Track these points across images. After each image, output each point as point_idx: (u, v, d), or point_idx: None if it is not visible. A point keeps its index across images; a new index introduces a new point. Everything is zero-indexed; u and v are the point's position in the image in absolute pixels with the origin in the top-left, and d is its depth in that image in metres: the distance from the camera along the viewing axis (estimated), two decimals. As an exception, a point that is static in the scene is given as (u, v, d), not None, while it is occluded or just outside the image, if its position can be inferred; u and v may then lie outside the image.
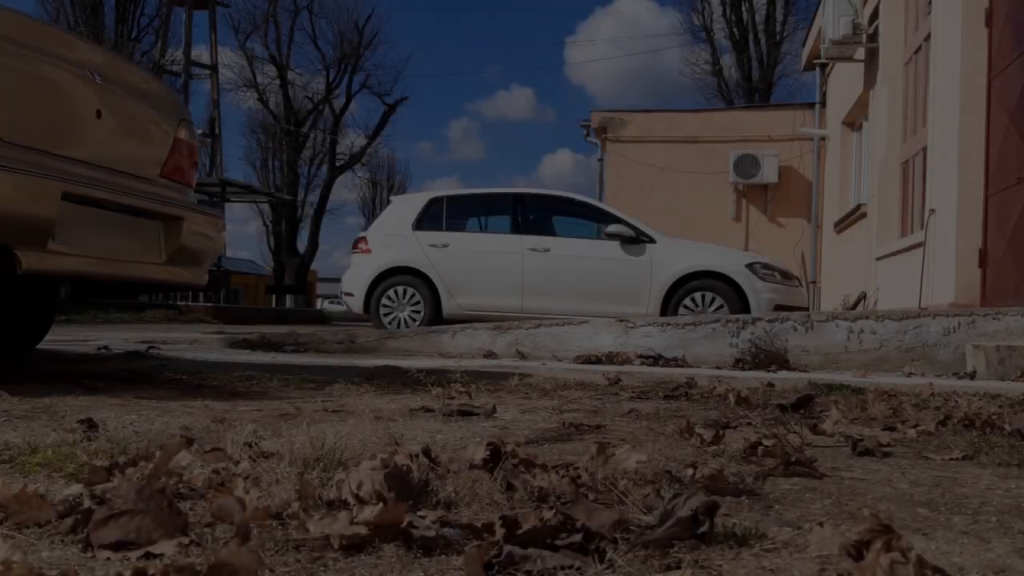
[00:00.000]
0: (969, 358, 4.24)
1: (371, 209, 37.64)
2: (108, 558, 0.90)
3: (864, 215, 9.31)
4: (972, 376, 4.07)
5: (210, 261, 3.47)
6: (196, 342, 5.53)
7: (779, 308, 7.27)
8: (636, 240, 7.78)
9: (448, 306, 7.97)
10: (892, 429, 2.03)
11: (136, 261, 2.94)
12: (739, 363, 4.69)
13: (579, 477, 1.20)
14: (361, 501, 1.04)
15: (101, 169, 2.82)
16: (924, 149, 7.05)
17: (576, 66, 51.40)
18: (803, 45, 13.73)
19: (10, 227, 2.41)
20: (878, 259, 8.27)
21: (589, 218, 8.29)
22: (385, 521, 0.96)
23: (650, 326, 5.27)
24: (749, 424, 2.06)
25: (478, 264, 7.98)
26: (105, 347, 4.59)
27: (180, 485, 1.17)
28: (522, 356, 5.16)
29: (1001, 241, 5.66)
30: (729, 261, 7.77)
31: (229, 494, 1.03)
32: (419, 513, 1.03)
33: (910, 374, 4.31)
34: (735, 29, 21.99)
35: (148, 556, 0.91)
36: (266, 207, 32.04)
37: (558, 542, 0.92)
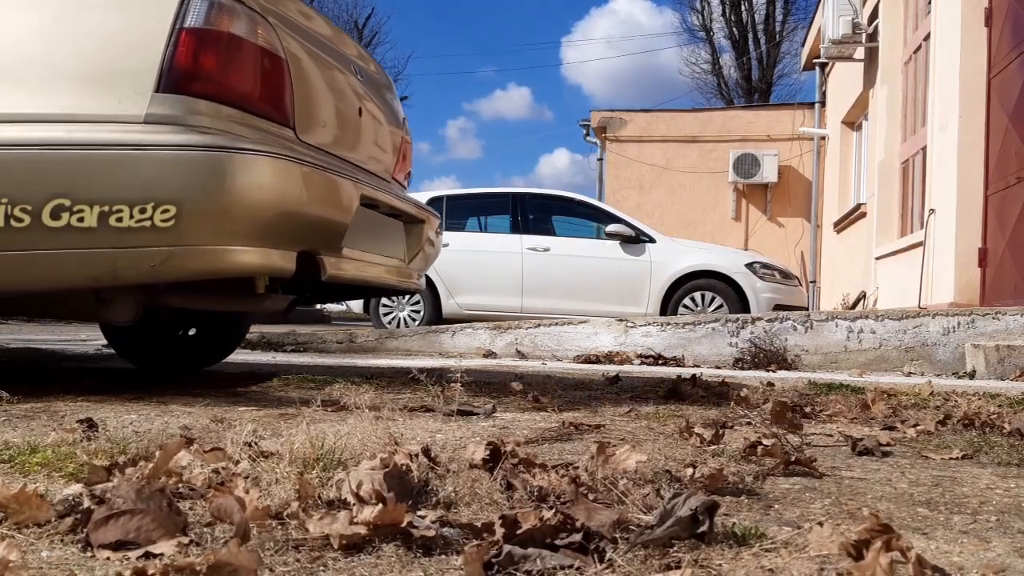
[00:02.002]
0: (969, 358, 4.24)
1: (371, 209, 37.50)
2: (108, 558, 0.90)
3: (864, 215, 9.31)
4: (972, 375, 4.08)
5: (430, 266, 3.30)
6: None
7: (779, 308, 7.27)
8: (636, 240, 7.78)
9: (448, 306, 7.97)
10: (892, 429, 2.03)
11: (389, 265, 2.82)
12: (739, 363, 4.70)
13: (579, 477, 1.20)
14: (361, 501, 1.04)
15: (363, 171, 2.69)
16: (924, 149, 7.05)
17: (573, 66, 51.48)
18: (803, 45, 13.73)
19: (321, 232, 2.30)
20: (878, 259, 8.27)
21: (589, 218, 8.29)
22: (385, 521, 0.96)
23: (650, 326, 5.27)
24: (749, 423, 2.06)
25: (478, 264, 7.98)
26: (107, 346, 4.59)
27: (180, 485, 1.17)
28: (522, 356, 5.16)
29: (1001, 240, 5.66)
30: (729, 261, 7.77)
31: (229, 494, 1.03)
32: (419, 513, 1.03)
33: (910, 373, 4.31)
34: (735, 29, 22.00)
35: (148, 556, 0.91)
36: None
37: (558, 542, 0.92)
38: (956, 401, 2.53)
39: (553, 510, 0.95)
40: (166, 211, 1.97)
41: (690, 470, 1.28)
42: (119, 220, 1.97)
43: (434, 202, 8.31)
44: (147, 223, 1.98)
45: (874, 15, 8.97)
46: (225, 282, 2.23)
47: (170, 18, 2.06)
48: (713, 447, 1.68)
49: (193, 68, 2.06)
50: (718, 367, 4.64)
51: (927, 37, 7.04)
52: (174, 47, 2.05)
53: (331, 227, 2.33)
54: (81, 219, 1.97)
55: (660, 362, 4.77)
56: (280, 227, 2.14)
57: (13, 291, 2.14)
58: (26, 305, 2.49)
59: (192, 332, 3.47)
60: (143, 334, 3.42)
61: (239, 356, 4.56)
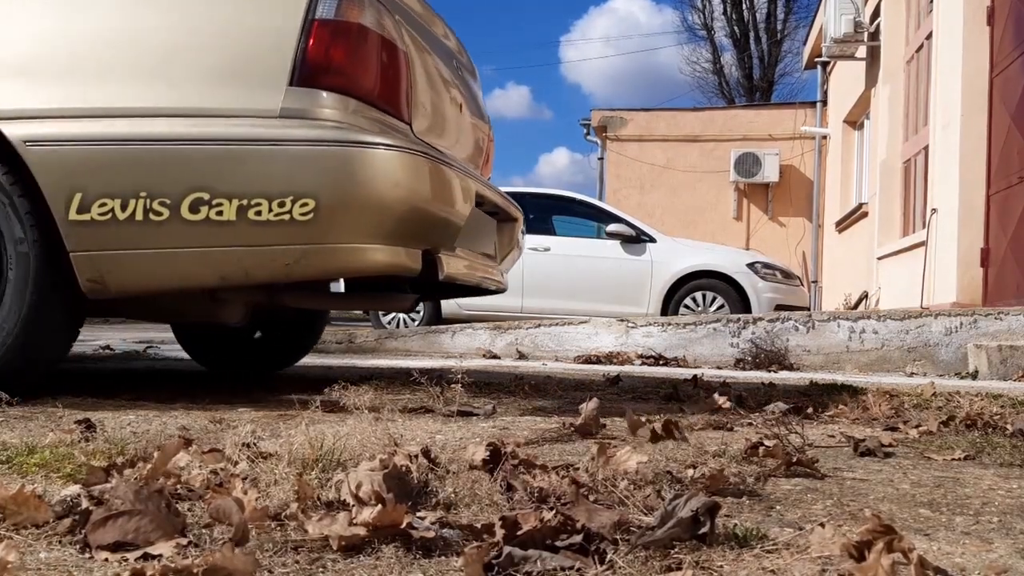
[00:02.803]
0: (971, 358, 4.23)
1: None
2: (106, 559, 0.90)
3: (865, 214, 9.30)
4: (974, 376, 4.07)
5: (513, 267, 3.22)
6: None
7: (780, 308, 7.26)
8: (636, 239, 7.77)
9: (447, 306, 7.96)
10: (894, 429, 2.02)
11: (486, 265, 2.75)
12: (740, 363, 4.69)
13: (579, 478, 1.20)
14: (360, 502, 1.04)
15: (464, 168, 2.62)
16: (926, 148, 7.05)
17: (572, 64, 51.46)
18: (804, 43, 13.72)
19: (441, 230, 2.25)
20: (879, 258, 8.26)
21: (589, 217, 8.29)
22: (384, 522, 0.96)
23: (650, 326, 5.26)
24: (750, 424, 2.06)
25: (478, 264, 7.97)
26: (107, 347, 4.59)
27: (178, 486, 1.17)
28: (522, 356, 5.16)
29: (1003, 240, 5.65)
30: (730, 260, 7.76)
31: (227, 495, 1.03)
32: (418, 514, 1.02)
33: (912, 374, 4.30)
34: (736, 27, 21.99)
35: (146, 557, 0.90)
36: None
37: (558, 543, 0.91)
38: (958, 402, 2.52)
39: (553, 511, 0.94)
40: (305, 204, 1.95)
41: (691, 471, 1.28)
42: (258, 213, 1.96)
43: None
44: (286, 216, 1.96)
45: (876, 14, 8.96)
46: (347, 281, 2.19)
47: (302, 10, 2.04)
48: (714, 448, 1.67)
49: (325, 61, 2.04)
50: (719, 367, 4.63)
51: (929, 36, 7.04)
52: (306, 39, 2.02)
53: (450, 225, 2.29)
54: (220, 212, 1.96)
55: (661, 362, 4.76)
56: (411, 225, 2.11)
57: (143, 290, 2.12)
58: (137, 305, 2.43)
59: (262, 334, 3.36)
60: (217, 336, 3.34)
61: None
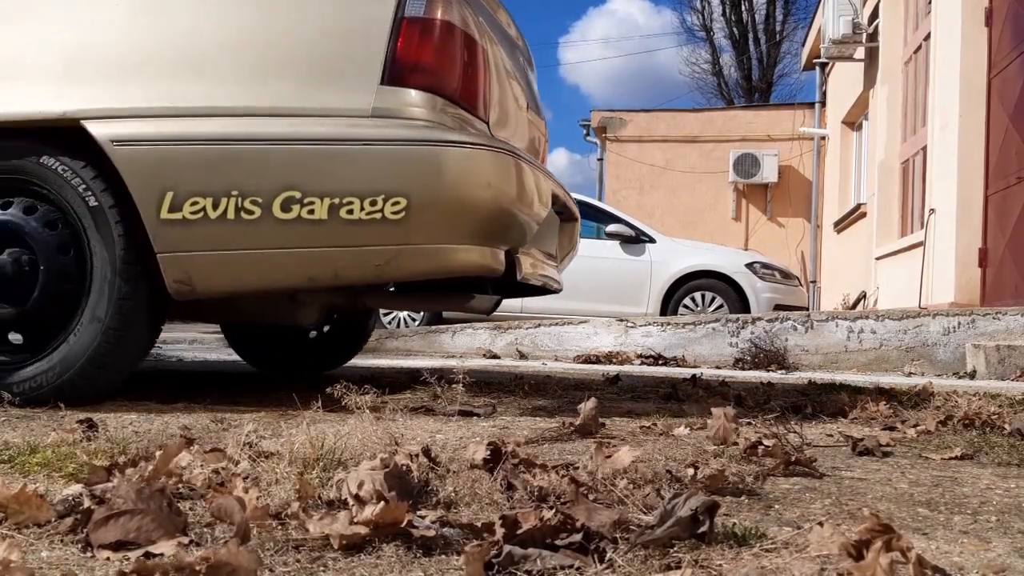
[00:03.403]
0: (969, 358, 4.24)
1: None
2: (108, 558, 0.90)
3: (864, 215, 9.31)
4: (972, 376, 4.08)
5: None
6: (196, 342, 5.53)
7: (779, 308, 7.27)
8: (636, 240, 7.78)
9: (448, 305, 7.94)
10: (892, 429, 2.03)
11: (550, 264, 2.70)
12: (739, 363, 4.70)
13: (579, 477, 1.20)
14: (361, 501, 1.04)
15: None
16: (924, 148, 7.05)
17: (571, 66, 51.45)
18: (803, 44, 13.72)
19: (521, 230, 2.21)
20: (878, 259, 8.27)
21: (589, 218, 8.26)
22: (385, 521, 0.96)
23: (650, 326, 5.27)
24: (749, 424, 2.06)
25: (478, 264, 7.96)
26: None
27: (180, 485, 1.17)
28: (522, 356, 5.16)
29: (1001, 240, 5.66)
30: (729, 261, 7.77)
31: (229, 494, 1.03)
32: (419, 513, 1.03)
33: (910, 373, 4.31)
34: (735, 28, 21.99)
35: (148, 556, 0.91)
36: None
37: (558, 542, 0.92)
38: (956, 401, 2.53)
39: (553, 510, 0.95)
40: (396, 203, 1.94)
41: (690, 470, 1.28)
42: (349, 212, 1.94)
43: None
44: (377, 215, 1.94)
45: (874, 15, 8.97)
46: (429, 281, 2.18)
47: (391, 8, 2.02)
48: (713, 447, 1.68)
49: (414, 59, 2.02)
50: (718, 367, 4.64)
51: (927, 37, 7.04)
52: (396, 38, 2.01)
53: (529, 226, 2.26)
54: (311, 211, 1.95)
55: (660, 362, 4.77)
56: (498, 225, 2.09)
57: (230, 291, 2.10)
58: (216, 306, 2.40)
59: (315, 335, 3.31)
60: (270, 337, 3.30)
61: (238, 356, 4.56)
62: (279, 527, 1.02)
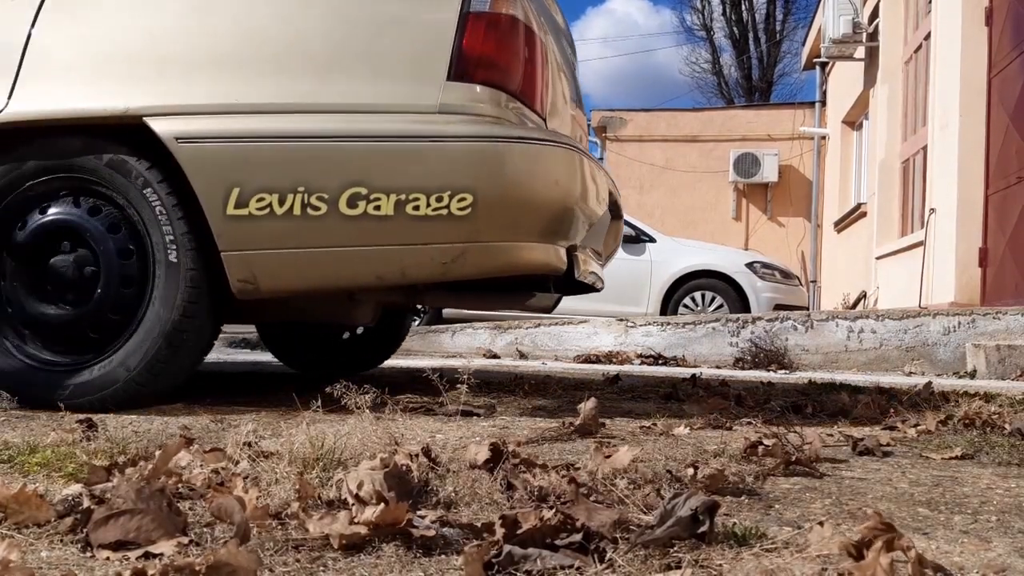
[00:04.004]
0: (969, 357, 4.24)
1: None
2: (107, 558, 0.90)
3: (864, 214, 9.31)
4: (972, 375, 4.08)
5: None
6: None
7: (779, 307, 7.27)
8: (636, 239, 7.77)
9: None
10: (892, 428, 2.02)
11: (599, 263, 2.64)
12: (739, 362, 4.70)
13: (579, 477, 1.20)
14: (361, 501, 1.04)
15: None
16: (924, 148, 7.05)
17: (572, 66, 51.36)
18: (803, 44, 13.72)
19: (581, 227, 2.17)
20: (878, 258, 8.27)
21: (589, 217, 8.27)
22: (385, 521, 0.96)
23: (650, 325, 5.27)
24: (749, 423, 2.06)
25: (478, 263, 7.95)
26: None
27: (180, 485, 1.17)
28: (522, 355, 5.16)
29: (1001, 240, 5.66)
30: (729, 260, 7.77)
31: (228, 494, 1.03)
32: (419, 513, 1.03)
33: (910, 373, 4.31)
34: (735, 28, 21.99)
35: (148, 556, 0.91)
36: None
37: (558, 542, 0.92)
38: (956, 401, 2.53)
39: (553, 510, 0.95)
40: (463, 199, 1.92)
41: (691, 470, 1.28)
42: (415, 208, 1.92)
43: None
44: (443, 211, 1.92)
45: (874, 14, 8.97)
46: (489, 280, 2.15)
47: (457, 2, 2.00)
48: (713, 447, 1.68)
49: (479, 54, 2.00)
50: (718, 367, 4.64)
51: (928, 36, 7.04)
52: (462, 33, 1.99)
53: (588, 223, 2.23)
54: (378, 207, 1.93)
55: (660, 362, 4.77)
56: (562, 222, 2.07)
57: (295, 290, 2.07)
58: (275, 306, 2.35)
59: (352, 335, 3.27)
60: (308, 337, 3.26)
61: (239, 355, 4.56)
62: (279, 527, 1.01)
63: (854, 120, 10.75)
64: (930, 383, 3.05)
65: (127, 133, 2.03)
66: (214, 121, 1.99)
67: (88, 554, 0.92)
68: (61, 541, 0.96)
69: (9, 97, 2.05)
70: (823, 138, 12.32)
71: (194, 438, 1.46)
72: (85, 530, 0.95)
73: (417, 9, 2.05)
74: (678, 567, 0.89)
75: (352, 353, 3.28)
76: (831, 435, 1.90)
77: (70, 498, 1.05)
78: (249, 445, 1.36)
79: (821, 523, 0.96)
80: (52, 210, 2.07)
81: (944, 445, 1.77)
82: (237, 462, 1.28)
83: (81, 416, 1.73)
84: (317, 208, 1.93)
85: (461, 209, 1.92)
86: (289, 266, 2.00)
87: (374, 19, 2.05)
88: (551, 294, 2.34)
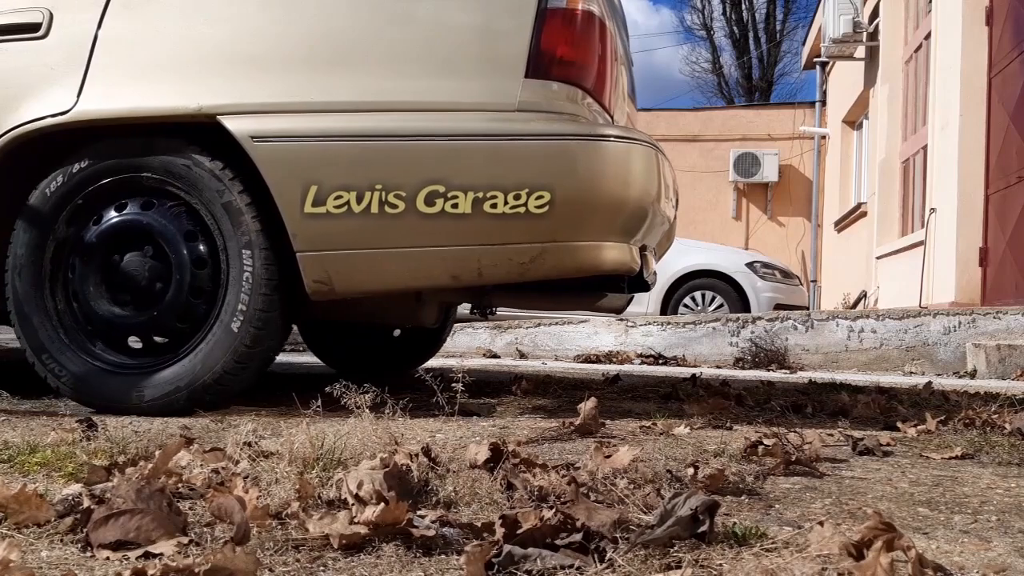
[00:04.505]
0: (970, 357, 4.24)
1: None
2: (107, 558, 0.90)
3: (864, 214, 9.31)
4: (972, 375, 4.07)
5: None
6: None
7: (779, 307, 7.27)
8: (636, 239, 7.76)
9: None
10: (892, 428, 2.02)
11: (654, 261, 2.57)
12: (739, 362, 4.70)
13: (579, 477, 1.20)
14: (361, 501, 1.04)
15: None
16: (924, 148, 7.05)
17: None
18: (803, 44, 13.72)
19: (652, 225, 2.12)
20: (878, 258, 8.27)
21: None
22: (385, 521, 0.96)
23: (650, 325, 5.27)
24: (749, 423, 2.06)
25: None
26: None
27: (180, 485, 1.17)
28: (522, 355, 5.16)
29: (1001, 240, 5.66)
30: (729, 260, 7.76)
31: (228, 494, 1.03)
32: (419, 512, 1.03)
33: (911, 373, 4.31)
34: (735, 28, 21.99)
35: (147, 556, 0.91)
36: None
37: (558, 542, 0.92)
38: (957, 400, 2.53)
39: (553, 510, 0.95)
40: (540, 197, 1.89)
41: (691, 470, 1.28)
42: (493, 206, 1.91)
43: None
44: (521, 209, 1.90)
45: (875, 14, 8.96)
46: (559, 280, 2.11)
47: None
48: (714, 447, 1.68)
49: (557, 51, 1.97)
50: (719, 367, 4.64)
51: (928, 36, 7.04)
52: (539, 29, 1.96)
53: (659, 222, 2.20)
54: (455, 205, 1.91)
55: (660, 362, 4.77)
56: (639, 220, 2.04)
57: (370, 291, 2.05)
58: (344, 306, 2.31)
59: (398, 334, 3.24)
60: (351, 337, 3.22)
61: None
62: (279, 527, 1.01)
63: (854, 120, 10.75)
64: (930, 383, 3.06)
65: (198, 132, 2.01)
66: (290, 120, 1.97)
67: (88, 554, 0.92)
68: (61, 541, 0.96)
69: (78, 96, 2.02)
70: (823, 138, 12.32)
71: (194, 438, 1.46)
72: (85, 530, 0.95)
73: (494, 6, 2.02)
74: (678, 567, 0.89)
75: (394, 353, 3.24)
76: (831, 435, 1.90)
77: (70, 498, 1.06)
78: (249, 445, 1.36)
79: (821, 523, 0.96)
80: (121, 210, 2.04)
81: (944, 445, 1.77)
82: (237, 462, 1.28)
83: (81, 416, 1.73)
84: (395, 206, 1.91)
85: (539, 207, 1.90)
86: (364, 266, 1.97)
87: (451, 17, 2.02)
88: (624, 294, 2.31)
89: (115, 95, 2.03)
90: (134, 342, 2.06)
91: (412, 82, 1.99)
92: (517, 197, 1.90)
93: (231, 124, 1.95)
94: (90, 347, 2.03)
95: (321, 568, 0.89)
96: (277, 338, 2.09)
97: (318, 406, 1.50)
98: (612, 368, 4.09)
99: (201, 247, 2.02)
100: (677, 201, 2.68)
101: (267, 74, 2.01)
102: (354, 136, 1.95)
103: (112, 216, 2.04)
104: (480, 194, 1.91)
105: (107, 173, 2.04)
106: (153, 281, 2.01)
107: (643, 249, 2.18)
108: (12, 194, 2.08)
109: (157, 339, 2.05)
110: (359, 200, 1.92)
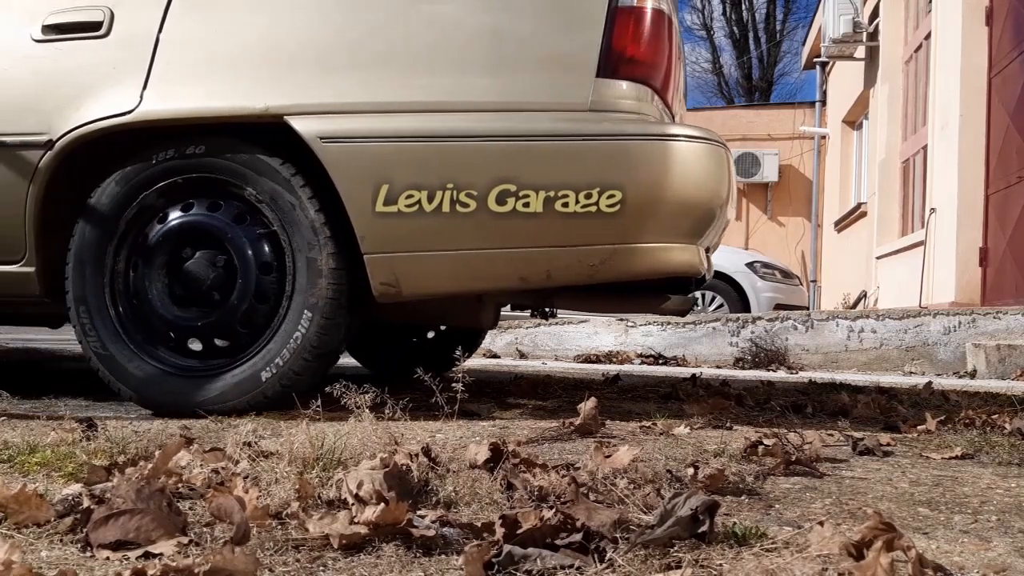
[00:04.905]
0: (970, 357, 4.24)
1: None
2: (107, 558, 0.90)
3: (864, 214, 9.31)
4: (972, 375, 4.07)
5: None
6: (196, 341, 5.52)
7: (779, 307, 7.27)
8: (636, 239, 7.76)
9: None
10: (892, 428, 2.02)
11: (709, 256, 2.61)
12: (739, 362, 4.70)
13: (579, 477, 1.20)
14: (361, 501, 1.04)
15: None
16: (924, 148, 7.05)
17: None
18: (803, 44, 13.72)
19: (716, 226, 2.10)
20: (878, 258, 8.27)
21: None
22: (385, 521, 0.96)
23: (650, 325, 5.27)
24: (749, 423, 2.06)
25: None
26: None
27: (179, 485, 1.17)
28: (522, 355, 5.16)
29: (1002, 240, 5.66)
30: (729, 260, 7.76)
31: (228, 494, 1.03)
32: (419, 512, 1.03)
33: (911, 373, 4.31)
34: (735, 28, 21.99)
35: (147, 556, 0.91)
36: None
37: (558, 542, 0.92)
38: (957, 400, 2.53)
39: (553, 510, 0.95)
40: (612, 196, 1.88)
41: (691, 470, 1.28)
42: (564, 205, 1.89)
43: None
44: (592, 208, 1.88)
45: (875, 14, 8.96)
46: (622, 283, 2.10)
47: None
48: (714, 447, 1.68)
49: (628, 50, 1.96)
50: (719, 367, 4.64)
51: (928, 36, 7.04)
52: (611, 28, 1.94)
53: (723, 223, 2.18)
54: (527, 204, 1.90)
55: (660, 362, 4.77)
56: (710, 222, 2.03)
57: (437, 292, 2.03)
58: (404, 308, 2.27)
59: (434, 335, 3.23)
60: (388, 337, 3.19)
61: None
62: (279, 527, 1.01)
63: (854, 120, 10.75)
64: (930, 383, 3.06)
65: (263, 132, 1.99)
66: (359, 120, 1.95)
67: (88, 554, 0.92)
68: (61, 541, 0.96)
69: (141, 96, 2.01)
70: (823, 138, 12.32)
71: (194, 438, 1.46)
72: (85, 530, 0.95)
73: (566, 5, 2.00)
74: (678, 567, 0.89)
75: (431, 354, 3.21)
76: (831, 435, 1.90)
77: (70, 498, 1.05)
78: (249, 445, 1.36)
79: (821, 523, 0.96)
80: (185, 211, 2.02)
81: (944, 445, 1.77)
82: (237, 462, 1.28)
83: (81, 416, 1.73)
84: (466, 205, 1.90)
85: (610, 206, 1.88)
86: (433, 268, 1.96)
87: (522, 17, 2.00)
88: (688, 296, 2.28)
89: (179, 95, 2.02)
90: (194, 344, 2.04)
91: (483, 82, 1.97)
92: (588, 196, 1.88)
93: (299, 124, 1.93)
94: (152, 349, 2.01)
95: (321, 568, 0.89)
96: (342, 338, 2.07)
97: (318, 406, 1.50)
98: (612, 368, 4.09)
99: (266, 248, 2.00)
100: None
101: (333, 74, 1.99)
102: (425, 136, 1.94)
103: (176, 217, 2.03)
104: (551, 193, 1.89)
105: (170, 173, 2.02)
106: (217, 283, 1.99)
107: (707, 251, 2.16)
108: (73, 194, 2.06)
109: (219, 342, 2.02)
110: (430, 199, 1.90)
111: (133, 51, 2.04)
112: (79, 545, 0.94)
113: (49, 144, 2.03)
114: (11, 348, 4.37)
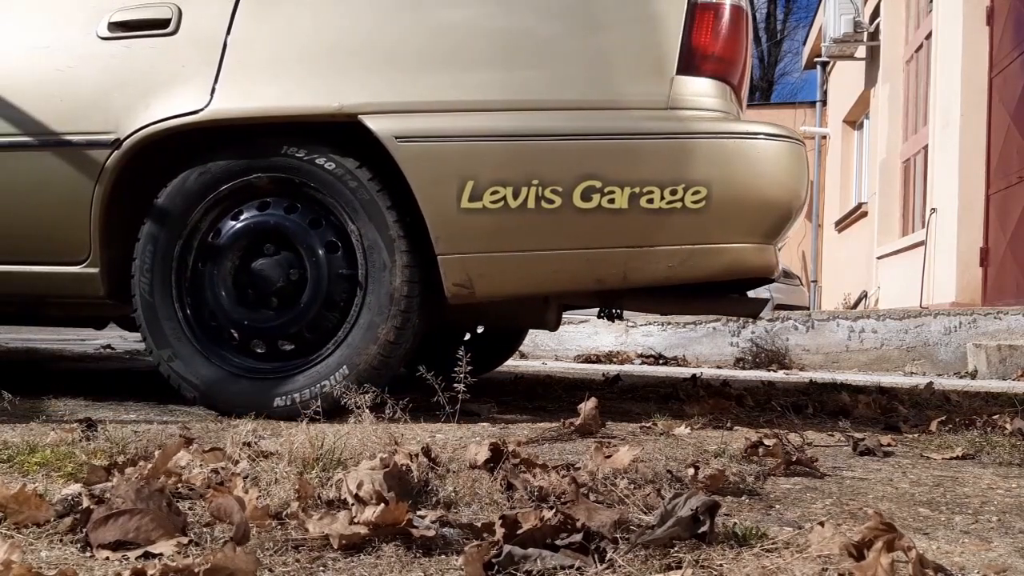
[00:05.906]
0: (970, 357, 4.24)
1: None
2: (107, 558, 0.90)
3: (865, 214, 9.31)
4: (973, 375, 4.07)
5: None
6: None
7: (780, 307, 7.27)
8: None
9: (449, 305, 7.93)
10: (893, 428, 2.02)
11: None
12: (740, 362, 4.70)
13: (579, 477, 1.20)
14: (361, 501, 1.04)
15: None
16: (925, 148, 7.05)
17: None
18: (804, 43, 13.72)
19: (793, 227, 2.09)
20: (879, 258, 8.27)
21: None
22: (385, 521, 0.96)
23: (650, 325, 5.27)
24: (750, 424, 2.06)
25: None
26: (108, 346, 4.59)
27: (179, 485, 1.17)
28: (522, 355, 5.16)
29: (1002, 240, 5.65)
30: (730, 260, 7.75)
31: (228, 494, 1.03)
32: (419, 513, 1.03)
33: (911, 373, 4.31)
34: (736, 28, 22.01)
35: (147, 556, 0.91)
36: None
37: (558, 542, 0.91)
38: (957, 401, 2.53)
39: (553, 510, 0.95)
40: (697, 192, 1.86)
41: (691, 470, 1.28)
42: (649, 201, 1.87)
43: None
44: (678, 204, 1.86)
45: (875, 14, 8.96)
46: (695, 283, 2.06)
47: None
48: (714, 447, 1.68)
49: (707, 47, 1.94)
50: (719, 367, 4.64)
51: (928, 36, 7.04)
52: (690, 25, 1.92)
53: (797, 222, 2.16)
54: (612, 200, 1.88)
55: (661, 362, 4.77)
56: (788, 222, 2.00)
57: (510, 294, 2.00)
58: (469, 309, 2.24)
59: (472, 336, 3.17)
60: (427, 338, 3.18)
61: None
62: (279, 527, 1.01)
63: (855, 119, 10.75)
64: (931, 383, 3.06)
65: (335, 131, 1.97)
66: (435, 119, 1.93)
67: (88, 554, 0.92)
68: (60, 541, 0.96)
69: (211, 95, 1.98)
70: (824, 137, 12.31)
71: (194, 438, 1.46)
72: (84, 530, 0.95)
73: (645, 3, 1.97)
74: (678, 567, 0.89)
75: (472, 355, 3.22)
76: (832, 435, 1.90)
77: (70, 498, 1.05)
78: (249, 445, 1.36)
79: (822, 523, 0.96)
80: (256, 211, 2.00)
81: (945, 445, 1.77)
82: (237, 462, 1.28)
83: (81, 416, 1.73)
84: (551, 201, 1.88)
85: (695, 202, 1.86)
86: (508, 269, 1.93)
87: (600, 14, 1.98)
88: (764, 298, 2.26)
89: (249, 94, 1.99)
90: (258, 346, 2.00)
91: (561, 80, 1.94)
92: (674, 192, 1.87)
93: (373, 124, 1.90)
94: (220, 351, 1.99)
95: (321, 568, 0.89)
96: (410, 344, 2.03)
97: (318, 406, 1.50)
98: (612, 368, 4.09)
99: (338, 246, 1.97)
100: None
101: (410, 73, 1.96)
102: (502, 136, 1.91)
103: (246, 217, 2.00)
104: (636, 188, 1.87)
105: (241, 173, 1.99)
106: (286, 285, 1.96)
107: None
108: (141, 193, 2.03)
109: (286, 345, 1.99)
110: (515, 195, 1.88)
111: (202, 49, 2.01)
112: (79, 545, 0.94)
113: (116, 143, 1.99)
114: (11, 348, 4.37)
